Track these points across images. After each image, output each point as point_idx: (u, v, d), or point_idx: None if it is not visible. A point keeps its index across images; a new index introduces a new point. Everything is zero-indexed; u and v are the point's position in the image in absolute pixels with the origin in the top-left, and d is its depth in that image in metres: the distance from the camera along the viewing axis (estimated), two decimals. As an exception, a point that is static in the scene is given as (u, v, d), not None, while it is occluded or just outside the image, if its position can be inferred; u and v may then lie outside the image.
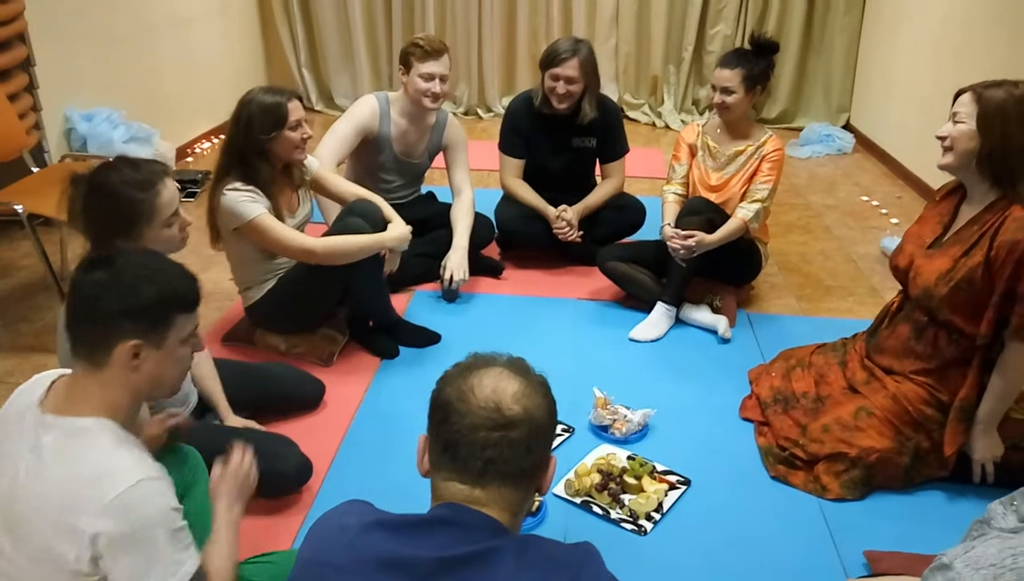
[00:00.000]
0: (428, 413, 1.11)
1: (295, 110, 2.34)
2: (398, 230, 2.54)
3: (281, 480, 1.94)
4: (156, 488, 1.18)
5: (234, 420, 2.04)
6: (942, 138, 1.93)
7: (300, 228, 2.49)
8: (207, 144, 4.89)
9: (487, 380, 1.08)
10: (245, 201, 2.29)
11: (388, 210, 2.60)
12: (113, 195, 1.69)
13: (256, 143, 2.31)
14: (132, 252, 1.31)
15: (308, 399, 2.31)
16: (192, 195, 3.95)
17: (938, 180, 2.08)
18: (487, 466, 1.05)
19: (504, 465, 1.05)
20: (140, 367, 1.23)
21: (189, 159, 4.68)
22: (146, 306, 1.22)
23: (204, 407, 2.05)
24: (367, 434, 2.23)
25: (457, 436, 1.05)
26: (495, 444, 1.04)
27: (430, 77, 2.84)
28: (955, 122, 1.90)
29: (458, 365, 1.12)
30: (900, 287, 2.18)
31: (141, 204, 1.71)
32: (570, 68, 2.91)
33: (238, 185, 2.30)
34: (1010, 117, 1.82)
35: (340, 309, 2.66)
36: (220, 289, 3.05)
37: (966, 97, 1.90)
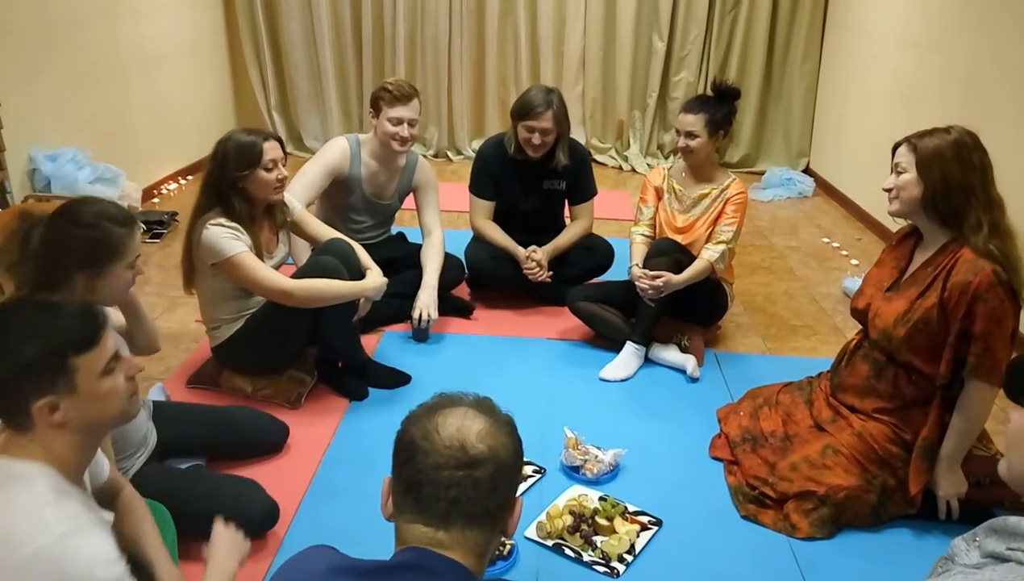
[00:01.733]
0: (392, 454, 1.09)
1: (271, 150, 2.34)
2: (376, 281, 2.54)
3: (247, 525, 1.88)
4: (76, 544, 1.10)
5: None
6: (888, 190, 2.02)
7: (276, 269, 2.47)
8: (174, 185, 4.85)
9: (452, 419, 1.06)
10: (227, 237, 2.28)
11: (366, 258, 2.60)
12: (92, 226, 1.68)
13: (231, 180, 2.31)
14: (11, 309, 1.22)
15: (271, 443, 2.26)
16: (158, 236, 3.90)
17: (895, 222, 2.16)
18: (451, 507, 1.02)
19: (468, 505, 1.02)
20: (65, 419, 1.18)
21: (156, 200, 4.64)
22: (37, 363, 1.15)
23: (163, 451, 2.01)
24: (335, 477, 2.19)
25: (420, 476, 1.03)
26: (459, 483, 1.02)
27: (398, 121, 2.87)
28: (897, 173, 2.00)
29: (423, 405, 1.11)
30: (861, 327, 2.23)
31: (119, 238, 1.71)
32: (545, 121, 2.97)
33: (222, 221, 2.29)
34: (947, 159, 1.91)
35: (310, 349, 2.63)
36: (187, 331, 3.01)
37: (903, 148, 2.00)
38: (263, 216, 2.46)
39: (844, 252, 4.19)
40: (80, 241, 1.68)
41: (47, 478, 1.14)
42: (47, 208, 1.74)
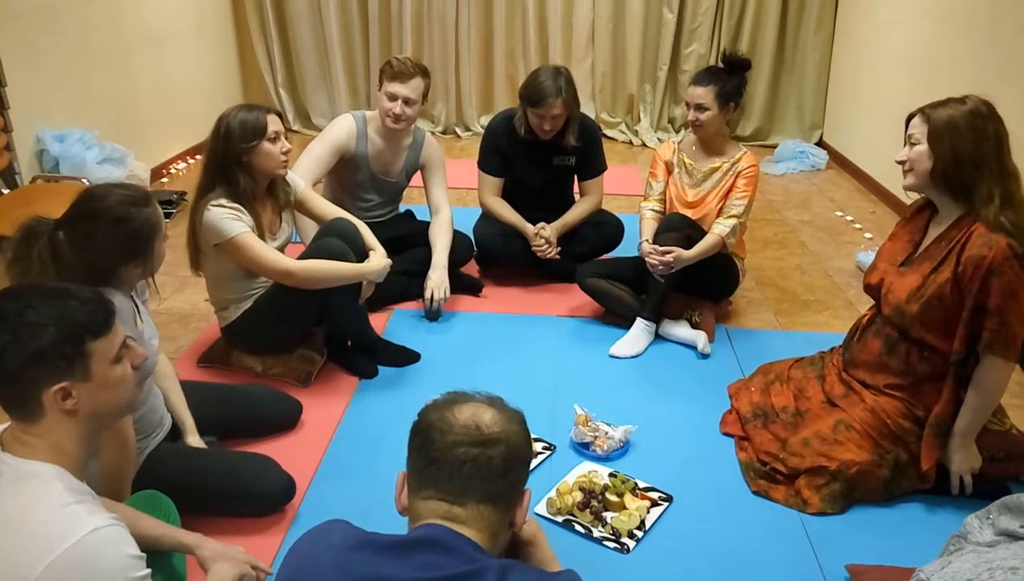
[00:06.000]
0: (408, 440, 1.14)
1: (273, 122, 2.33)
2: (379, 263, 2.51)
3: (264, 500, 1.92)
4: (111, 535, 1.10)
5: (196, 441, 2.01)
6: (901, 162, 1.98)
7: (281, 249, 2.47)
8: (183, 164, 4.85)
9: (466, 408, 1.14)
10: (229, 218, 2.27)
11: (370, 238, 2.58)
12: (123, 218, 1.66)
13: (236, 154, 2.29)
14: (16, 294, 1.18)
15: (285, 419, 2.28)
16: (168, 216, 3.91)
17: (908, 196, 2.12)
18: (467, 482, 1.08)
19: (482, 482, 1.08)
20: (77, 406, 1.17)
21: (164, 179, 4.64)
22: (51, 349, 1.13)
23: (177, 431, 2.02)
24: (346, 454, 2.20)
25: (438, 453, 1.09)
26: (474, 459, 1.08)
27: (393, 97, 2.85)
28: (911, 145, 1.96)
29: (437, 399, 1.18)
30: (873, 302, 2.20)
31: (153, 217, 1.71)
32: (556, 108, 2.94)
33: (223, 201, 2.29)
34: (959, 130, 1.87)
35: (318, 329, 2.64)
36: (196, 310, 3.02)
37: (917, 120, 1.95)
38: (266, 195, 2.45)
39: (858, 225, 4.14)
40: (119, 236, 1.66)
41: (63, 478, 1.14)
42: (39, 219, 1.65)
